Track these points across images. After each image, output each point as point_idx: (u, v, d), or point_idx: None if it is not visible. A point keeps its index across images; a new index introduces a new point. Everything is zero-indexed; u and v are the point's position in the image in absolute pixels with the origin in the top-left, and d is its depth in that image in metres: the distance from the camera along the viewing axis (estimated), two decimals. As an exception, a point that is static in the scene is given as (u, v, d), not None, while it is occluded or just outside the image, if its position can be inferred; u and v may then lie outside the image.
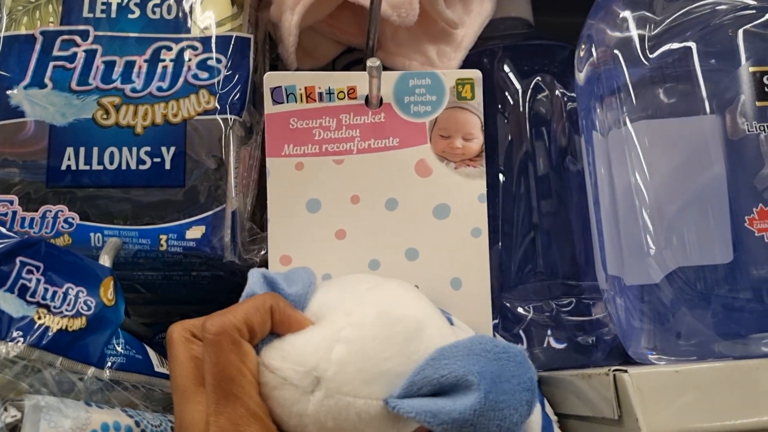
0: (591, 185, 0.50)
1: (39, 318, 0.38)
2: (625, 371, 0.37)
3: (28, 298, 0.38)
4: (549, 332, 0.51)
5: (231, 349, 0.32)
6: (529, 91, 0.54)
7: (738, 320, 0.42)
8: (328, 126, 0.43)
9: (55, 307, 0.39)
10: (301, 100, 0.43)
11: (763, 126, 0.41)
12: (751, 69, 0.42)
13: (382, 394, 0.32)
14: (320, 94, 0.43)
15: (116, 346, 0.42)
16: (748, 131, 0.42)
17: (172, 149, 0.44)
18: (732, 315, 0.42)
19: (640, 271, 0.45)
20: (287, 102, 0.42)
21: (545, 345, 0.52)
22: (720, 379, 0.38)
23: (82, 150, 0.44)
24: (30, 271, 0.38)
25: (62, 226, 0.43)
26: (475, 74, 0.46)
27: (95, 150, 0.44)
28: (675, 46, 0.44)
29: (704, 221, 0.43)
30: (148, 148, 0.44)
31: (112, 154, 0.44)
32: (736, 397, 0.38)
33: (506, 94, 0.55)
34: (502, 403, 0.31)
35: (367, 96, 0.43)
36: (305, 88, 0.43)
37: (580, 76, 0.51)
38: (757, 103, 0.42)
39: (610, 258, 0.48)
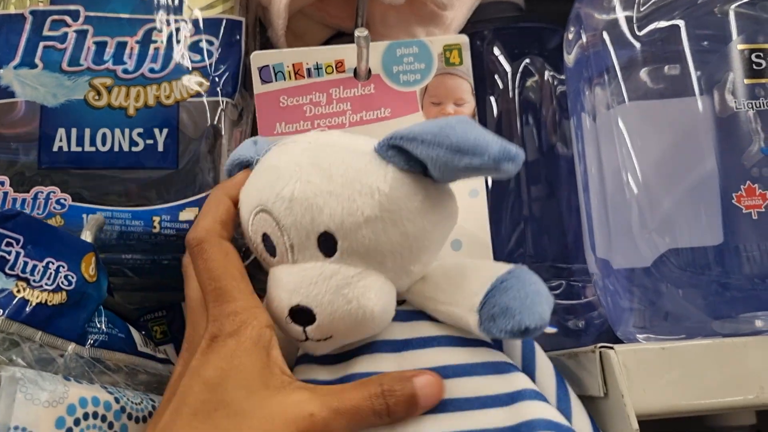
0: (580, 168, 0.50)
1: (18, 291, 0.38)
2: (611, 348, 0.37)
3: (7, 271, 0.37)
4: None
5: (215, 250, 0.34)
6: (519, 74, 0.54)
7: (728, 300, 0.42)
8: (319, 101, 0.42)
9: (34, 281, 0.38)
10: (290, 78, 0.42)
11: (752, 103, 0.41)
12: (740, 47, 0.42)
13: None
14: (308, 69, 0.43)
15: (98, 323, 0.41)
16: (736, 108, 0.41)
17: (165, 131, 0.43)
18: (722, 295, 0.42)
19: (629, 253, 0.45)
20: (276, 80, 0.42)
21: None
22: (706, 357, 0.38)
23: (74, 131, 0.43)
24: (9, 244, 0.37)
25: (54, 207, 0.43)
26: (462, 39, 0.46)
27: (87, 131, 0.43)
28: (662, 24, 0.44)
29: (694, 203, 0.43)
30: (141, 130, 0.43)
31: (104, 136, 0.43)
32: (722, 375, 0.38)
33: (496, 77, 0.54)
34: None
35: (355, 69, 0.43)
36: (293, 65, 0.42)
37: (569, 59, 0.51)
38: (746, 81, 0.42)
39: (598, 241, 0.48)
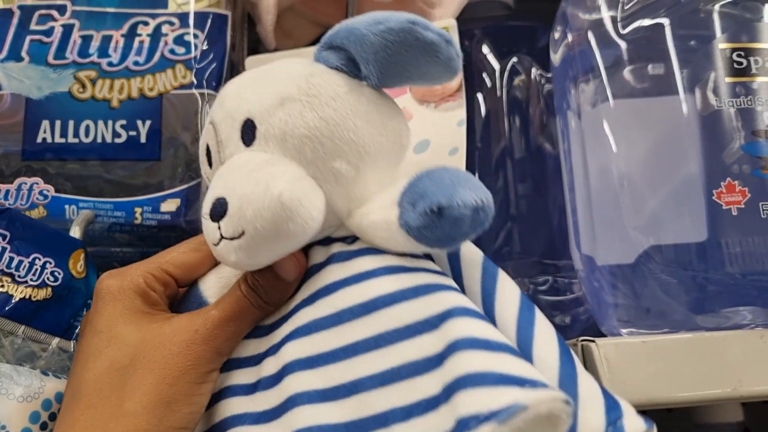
0: (565, 166, 0.50)
1: (2, 286, 0.38)
2: (593, 341, 0.37)
3: (-9, 266, 0.37)
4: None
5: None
6: (507, 72, 0.54)
7: (710, 296, 0.42)
8: None
9: (19, 276, 0.38)
10: None
11: (733, 101, 0.41)
12: (721, 46, 0.42)
13: None
14: None
15: (87, 318, 0.42)
16: (718, 107, 0.41)
17: (148, 123, 0.43)
18: (704, 291, 0.42)
19: (614, 250, 0.45)
20: None
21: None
22: (686, 350, 0.38)
23: (58, 123, 0.43)
24: (-5, 239, 0.38)
25: (37, 198, 0.42)
26: (450, 22, 0.46)
27: (71, 123, 0.43)
28: (647, 23, 0.44)
29: (677, 200, 0.42)
30: (124, 122, 0.43)
31: (87, 128, 0.43)
32: (701, 368, 0.37)
33: (484, 75, 0.54)
34: None
35: None
36: None
37: (556, 58, 0.51)
38: (727, 80, 0.41)
39: (583, 238, 0.48)
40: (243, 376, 0.34)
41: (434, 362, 0.29)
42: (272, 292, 0.33)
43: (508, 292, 0.33)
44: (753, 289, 0.40)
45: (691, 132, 0.42)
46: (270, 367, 0.33)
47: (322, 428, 0.30)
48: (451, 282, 0.32)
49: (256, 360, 0.34)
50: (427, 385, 0.29)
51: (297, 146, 0.31)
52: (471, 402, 0.27)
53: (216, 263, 0.36)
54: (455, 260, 0.34)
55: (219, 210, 0.30)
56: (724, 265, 0.41)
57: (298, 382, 0.31)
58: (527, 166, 0.54)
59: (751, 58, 0.42)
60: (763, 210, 0.39)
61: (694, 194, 0.41)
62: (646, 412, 0.34)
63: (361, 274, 0.32)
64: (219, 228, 0.31)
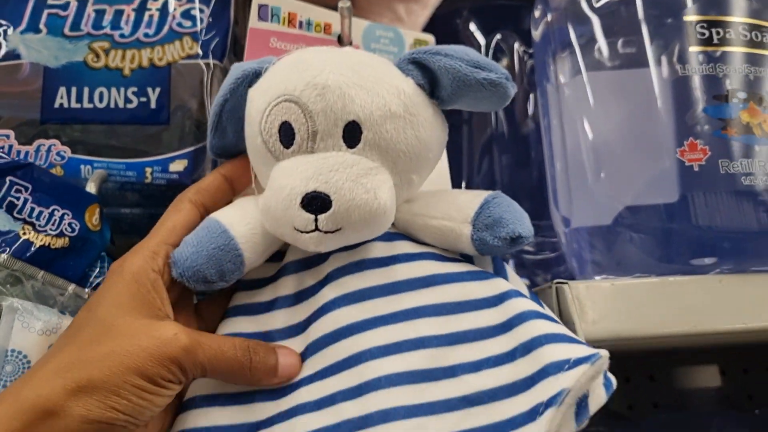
0: (545, 134, 0.53)
1: (24, 233, 0.40)
2: (566, 283, 0.40)
3: (15, 215, 0.40)
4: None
5: (171, 207, 0.38)
6: (492, 48, 0.57)
7: (678, 248, 0.44)
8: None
9: (39, 226, 0.41)
10: (284, 23, 0.46)
11: (696, 69, 0.44)
12: (686, 18, 0.46)
13: None
14: (300, 22, 0.46)
15: (100, 268, 0.44)
16: (682, 74, 0.45)
17: (158, 90, 0.46)
18: (673, 244, 0.45)
19: (590, 212, 0.48)
20: (271, 21, 0.46)
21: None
22: (650, 293, 0.41)
23: (73, 90, 0.46)
24: (18, 191, 0.40)
25: (54, 159, 0.45)
26: (430, 38, 0.50)
27: (86, 90, 0.46)
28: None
29: (649, 164, 0.45)
30: (135, 89, 0.46)
31: (101, 94, 0.46)
32: (663, 309, 0.40)
33: (470, 53, 0.57)
34: None
35: (339, 35, 0.47)
36: (288, 13, 0.46)
37: (536, 34, 0.54)
38: (691, 49, 0.45)
39: (561, 200, 0.51)
40: (291, 345, 0.36)
41: (498, 330, 0.35)
42: (261, 368, 0.35)
43: (516, 277, 0.39)
44: (716, 239, 0.44)
45: (659, 99, 0.45)
46: (318, 332, 0.35)
47: (390, 378, 0.33)
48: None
49: (300, 328, 0.36)
50: (495, 345, 0.34)
51: (393, 158, 0.35)
52: (559, 351, 0.33)
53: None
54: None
55: (320, 205, 0.33)
56: (689, 218, 0.44)
57: (360, 343, 0.34)
58: (511, 137, 0.57)
59: (713, 30, 0.45)
60: (722, 167, 0.43)
61: (663, 158, 0.45)
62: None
63: (412, 254, 0.37)
64: (316, 220, 0.33)
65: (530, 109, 0.58)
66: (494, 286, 0.36)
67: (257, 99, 0.36)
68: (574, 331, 0.39)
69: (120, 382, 0.32)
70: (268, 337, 0.37)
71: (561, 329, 0.35)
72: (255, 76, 0.37)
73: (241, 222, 0.36)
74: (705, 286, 0.41)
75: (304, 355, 0.35)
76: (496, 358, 0.34)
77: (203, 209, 0.38)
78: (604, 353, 0.33)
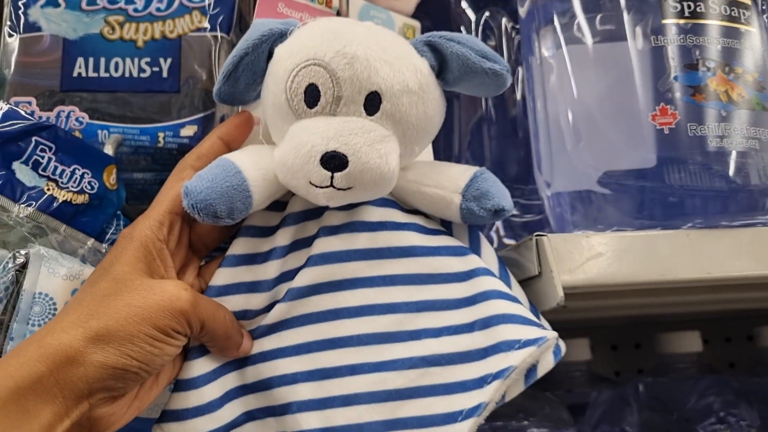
0: (530, 105, 0.56)
1: (48, 189, 0.43)
2: (545, 236, 0.44)
3: (39, 172, 0.43)
4: (499, 231, 0.58)
5: (174, 174, 0.41)
6: (481, 24, 0.60)
7: (651, 207, 0.48)
8: (306, 22, 0.49)
9: (62, 182, 0.44)
10: None
11: (666, 39, 0.48)
12: (660, -8, 0.49)
13: None
14: None
15: (116, 225, 0.48)
16: (655, 44, 0.48)
17: (169, 60, 0.50)
18: (646, 203, 0.48)
19: (571, 176, 0.51)
20: None
21: (495, 245, 0.58)
22: (623, 245, 0.44)
23: (91, 60, 0.49)
24: (43, 150, 0.44)
25: (74, 124, 0.49)
26: (416, 24, 0.54)
27: (102, 60, 0.49)
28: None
29: (626, 131, 0.49)
30: (148, 59, 0.50)
31: (117, 64, 0.49)
32: (635, 260, 0.44)
33: (462, 29, 0.61)
34: None
35: (338, 10, 0.50)
36: None
37: (522, 11, 0.57)
38: (662, 21, 0.48)
39: (544, 166, 0.54)
40: (280, 292, 0.40)
41: (463, 303, 0.40)
42: (232, 345, 0.40)
43: (489, 249, 0.43)
44: (685, 197, 0.47)
45: (635, 69, 0.49)
46: (302, 281, 0.40)
47: (360, 337, 0.38)
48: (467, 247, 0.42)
49: (289, 276, 0.40)
50: (458, 316, 0.39)
51: (404, 129, 0.39)
52: (512, 332, 0.38)
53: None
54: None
55: (338, 164, 0.36)
56: (661, 179, 0.47)
57: (338, 300, 0.39)
58: (501, 108, 0.61)
59: (685, 3, 0.48)
60: (691, 130, 0.46)
61: (637, 123, 0.48)
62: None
63: (399, 224, 0.41)
64: (332, 177, 0.36)
65: (518, 82, 0.61)
66: (466, 263, 0.41)
67: (285, 59, 0.38)
68: (551, 277, 0.42)
69: (135, 332, 0.35)
70: (261, 286, 0.41)
71: (519, 310, 0.39)
72: (280, 36, 0.39)
73: (254, 167, 0.39)
74: (673, 240, 0.44)
75: (285, 299, 0.39)
76: (457, 327, 0.39)
77: None
78: (551, 335, 0.38)
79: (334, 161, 0.36)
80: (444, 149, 0.60)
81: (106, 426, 0.36)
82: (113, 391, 0.35)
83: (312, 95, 0.37)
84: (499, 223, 0.58)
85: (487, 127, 0.60)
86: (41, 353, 0.34)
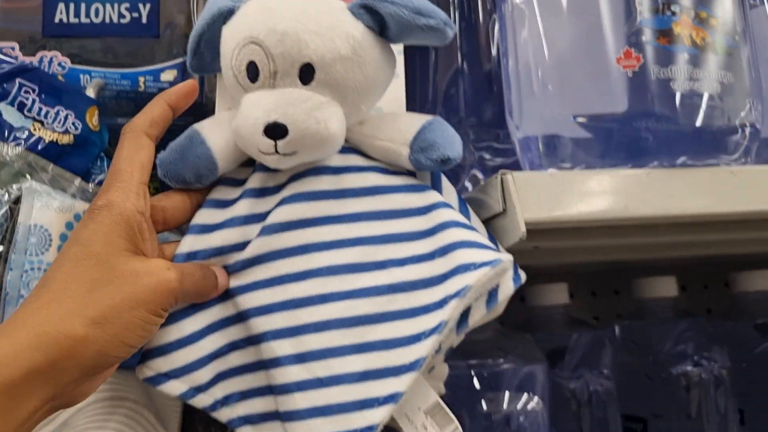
0: (502, 52, 0.57)
1: (35, 130, 0.45)
2: (510, 173, 0.45)
3: (25, 113, 0.45)
4: (474, 172, 0.60)
5: (131, 142, 0.41)
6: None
7: (616, 147, 0.49)
8: None
9: (48, 123, 0.45)
10: None
11: (634, -15, 0.49)
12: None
13: None
14: None
15: (100, 166, 0.49)
16: (622, -9, 0.49)
17: (148, 6, 0.51)
18: (612, 143, 0.49)
19: (540, 120, 0.53)
20: None
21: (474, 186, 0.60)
22: (585, 183, 0.45)
23: (71, 5, 0.50)
24: (27, 92, 0.45)
25: (56, 69, 0.50)
26: None
27: (83, 6, 0.50)
28: None
29: (591, 72, 0.50)
30: (128, 5, 0.51)
31: (97, 10, 0.51)
32: (597, 195, 0.45)
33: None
34: None
35: None
36: None
37: (498, -41, 0.58)
38: (629, -33, 0.49)
39: (515, 111, 0.56)
40: (253, 230, 0.42)
41: (424, 234, 0.42)
42: (208, 291, 0.41)
43: (450, 188, 0.46)
44: (650, 139, 0.49)
45: (602, 14, 0.50)
46: (274, 218, 0.42)
47: (332, 267, 0.41)
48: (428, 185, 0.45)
49: (261, 217, 0.42)
50: (420, 246, 0.42)
51: (343, 93, 0.41)
52: (468, 255, 0.41)
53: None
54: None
55: (279, 132, 0.39)
56: (626, 120, 0.49)
57: (308, 235, 0.42)
58: (475, 58, 0.62)
59: (652, -52, 0.49)
60: (653, 73, 0.48)
61: (603, 67, 0.49)
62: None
63: (361, 167, 0.44)
64: (275, 145, 0.39)
65: (495, 31, 0.62)
66: (426, 198, 0.43)
67: (228, 40, 0.41)
68: (515, 213, 0.44)
69: (131, 318, 0.36)
70: (233, 222, 0.43)
71: (475, 237, 0.42)
72: (229, 13, 0.42)
73: (218, 135, 0.43)
74: (634, 178, 0.46)
75: (259, 236, 0.42)
76: (419, 256, 0.42)
77: (156, 141, 0.42)
78: (506, 257, 0.41)
79: (275, 131, 0.39)
80: (420, 94, 0.61)
81: (81, 398, 0.38)
82: (100, 371, 0.37)
83: (253, 71, 0.40)
84: (475, 165, 0.60)
85: (463, 75, 0.61)
86: (40, 342, 0.34)
